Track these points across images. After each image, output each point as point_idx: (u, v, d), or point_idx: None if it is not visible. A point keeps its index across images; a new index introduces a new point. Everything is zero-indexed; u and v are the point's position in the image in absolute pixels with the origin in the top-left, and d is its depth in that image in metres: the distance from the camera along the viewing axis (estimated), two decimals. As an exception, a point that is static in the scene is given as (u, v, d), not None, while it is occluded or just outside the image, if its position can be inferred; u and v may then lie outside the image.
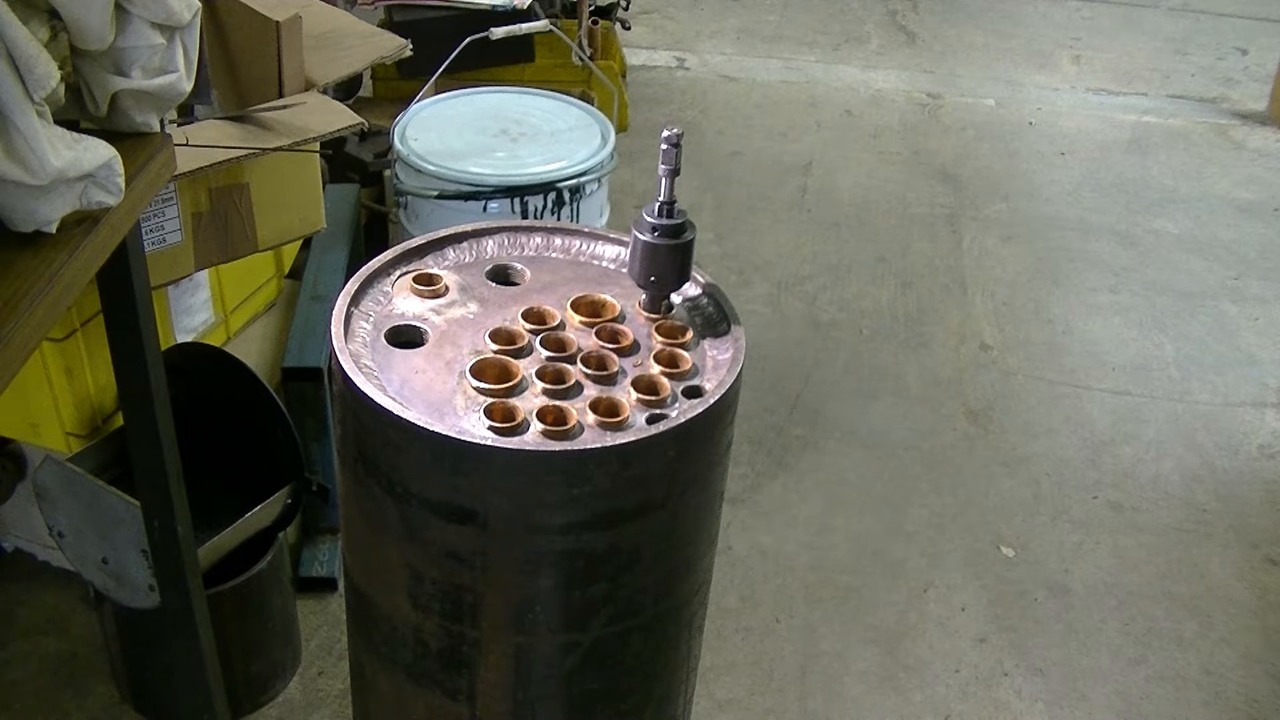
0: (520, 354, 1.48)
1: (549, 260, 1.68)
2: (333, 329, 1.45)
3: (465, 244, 1.68)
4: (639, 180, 4.07)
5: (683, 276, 1.56)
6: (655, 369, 1.48)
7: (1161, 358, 3.59)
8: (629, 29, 4.77)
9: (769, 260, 3.93)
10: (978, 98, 5.30)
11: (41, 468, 2.04)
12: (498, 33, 3.20)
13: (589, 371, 1.47)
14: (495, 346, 1.48)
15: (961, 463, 3.11)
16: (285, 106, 2.18)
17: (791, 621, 2.61)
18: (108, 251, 1.39)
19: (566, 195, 2.61)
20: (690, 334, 1.55)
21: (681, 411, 1.40)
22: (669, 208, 1.50)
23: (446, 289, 1.58)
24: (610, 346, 1.51)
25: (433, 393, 1.41)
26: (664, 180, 1.49)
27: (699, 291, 1.61)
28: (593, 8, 4.07)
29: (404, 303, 1.56)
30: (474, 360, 1.45)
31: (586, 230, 1.71)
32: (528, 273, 1.65)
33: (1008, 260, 4.04)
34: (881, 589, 2.71)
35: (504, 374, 1.44)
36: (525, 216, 2.60)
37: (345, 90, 3.43)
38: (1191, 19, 6.44)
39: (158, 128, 1.48)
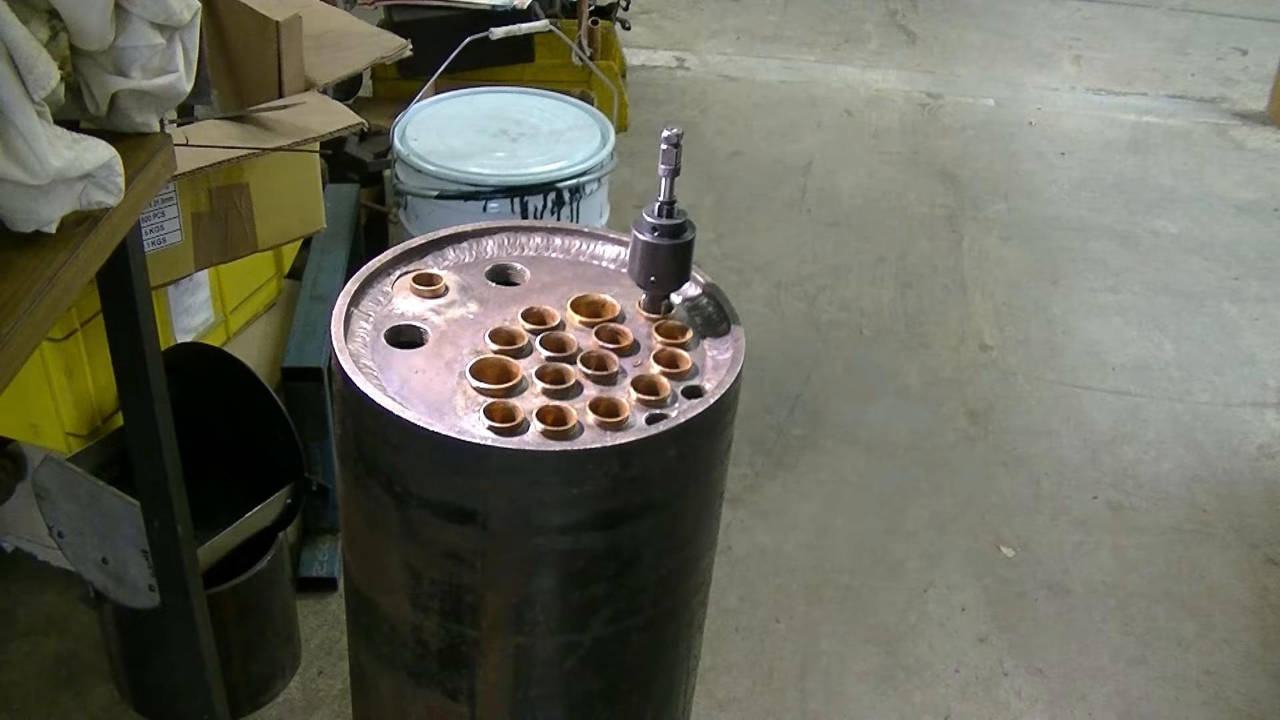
0: (520, 354, 1.48)
1: (549, 260, 1.68)
2: (333, 329, 1.45)
3: (465, 244, 1.68)
4: (639, 180, 4.07)
5: (683, 276, 1.56)
6: (655, 369, 1.48)
7: (1161, 358, 3.59)
8: (629, 29, 4.77)
9: (769, 260, 3.93)
10: (978, 98, 5.30)
11: (41, 468, 2.04)
12: (498, 33, 3.20)
13: (589, 371, 1.47)
14: (495, 346, 1.48)
15: (961, 463, 3.11)
16: (285, 106, 2.18)
17: (791, 621, 2.61)
18: (108, 251, 1.38)
19: (566, 195, 2.61)
20: (690, 334, 1.55)
21: (681, 411, 1.40)
22: (669, 208, 1.50)
23: (446, 289, 1.58)
24: (610, 346, 1.51)
25: (433, 393, 1.41)
26: (664, 180, 1.49)
27: (699, 291, 1.61)
28: (593, 8, 4.07)
29: (404, 303, 1.56)
30: (474, 360, 1.45)
31: (586, 230, 1.71)
32: (528, 273, 1.65)
33: (1008, 260, 4.04)
34: (881, 589, 2.71)
35: (504, 374, 1.44)
36: (525, 216, 2.59)
37: (345, 90, 3.43)
38: (1191, 19, 6.44)
39: (158, 128, 1.47)
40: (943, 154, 4.76)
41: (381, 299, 1.56)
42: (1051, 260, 4.06)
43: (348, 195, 3.01)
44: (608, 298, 1.58)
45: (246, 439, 2.26)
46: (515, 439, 1.34)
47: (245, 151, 2.05)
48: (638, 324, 1.56)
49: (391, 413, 1.33)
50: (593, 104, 3.06)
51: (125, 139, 1.42)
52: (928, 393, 3.36)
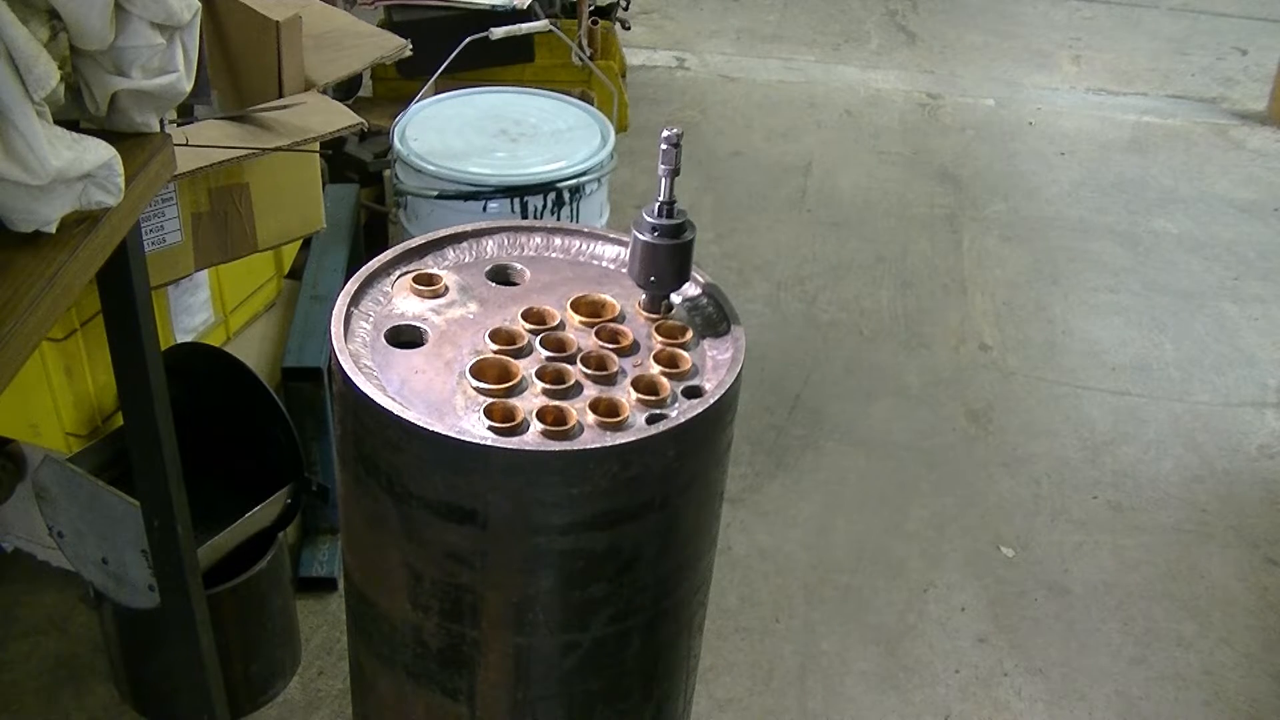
0: (520, 354, 1.48)
1: (549, 260, 1.68)
2: (333, 329, 1.45)
3: (465, 244, 1.68)
4: (639, 180, 4.07)
5: (682, 276, 1.56)
6: (655, 369, 1.48)
7: (1161, 358, 3.59)
8: (629, 29, 4.77)
9: (769, 260, 3.93)
10: (977, 98, 5.30)
11: (41, 468, 2.04)
12: (498, 33, 3.20)
13: (589, 371, 1.47)
14: (495, 346, 1.48)
15: (961, 463, 3.11)
16: (285, 106, 2.18)
17: (791, 621, 2.61)
18: (108, 251, 1.38)
19: (566, 195, 2.61)
20: (690, 334, 1.55)
21: (681, 411, 1.40)
22: (669, 208, 1.50)
23: (446, 289, 1.58)
24: (610, 346, 1.51)
25: (433, 393, 1.41)
26: (664, 180, 1.49)
27: (699, 291, 1.61)
28: (593, 8, 4.06)
29: (404, 303, 1.56)
30: (474, 360, 1.45)
31: (586, 230, 1.71)
32: (528, 273, 1.65)
33: (1008, 260, 4.04)
34: (881, 589, 2.71)
35: (504, 374, 1.44)
36: (525, 216, 2.59)
37: (345, 90, 3.42)
38: (1191, 19, 6.44)
39: (158, 128, 1.47)
40: (943, 154, 4.76)
41: (381, 299, 1.56)
42: (1051, 260, 4.06)
43: (348, 195, 3.01)
44: (608, 298, 1.58)
45: (246, 439, 2.26)
46: (515, 439, 1.34)
47: (245, 151, 2.05)
48: (638, 324, 1.56)
49: (391, 413, 1.33)
50: (593, 104, 3.06)
51: (125, 139, 1.42)
52: (927, 393, 3.36)
